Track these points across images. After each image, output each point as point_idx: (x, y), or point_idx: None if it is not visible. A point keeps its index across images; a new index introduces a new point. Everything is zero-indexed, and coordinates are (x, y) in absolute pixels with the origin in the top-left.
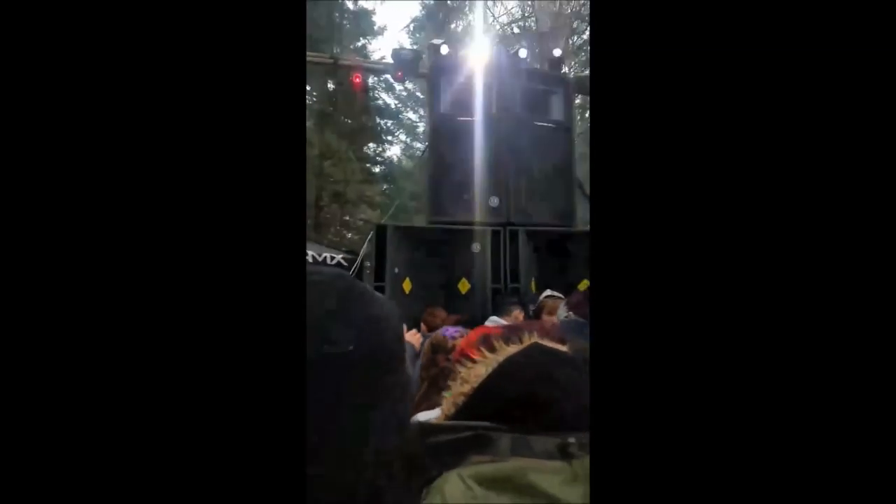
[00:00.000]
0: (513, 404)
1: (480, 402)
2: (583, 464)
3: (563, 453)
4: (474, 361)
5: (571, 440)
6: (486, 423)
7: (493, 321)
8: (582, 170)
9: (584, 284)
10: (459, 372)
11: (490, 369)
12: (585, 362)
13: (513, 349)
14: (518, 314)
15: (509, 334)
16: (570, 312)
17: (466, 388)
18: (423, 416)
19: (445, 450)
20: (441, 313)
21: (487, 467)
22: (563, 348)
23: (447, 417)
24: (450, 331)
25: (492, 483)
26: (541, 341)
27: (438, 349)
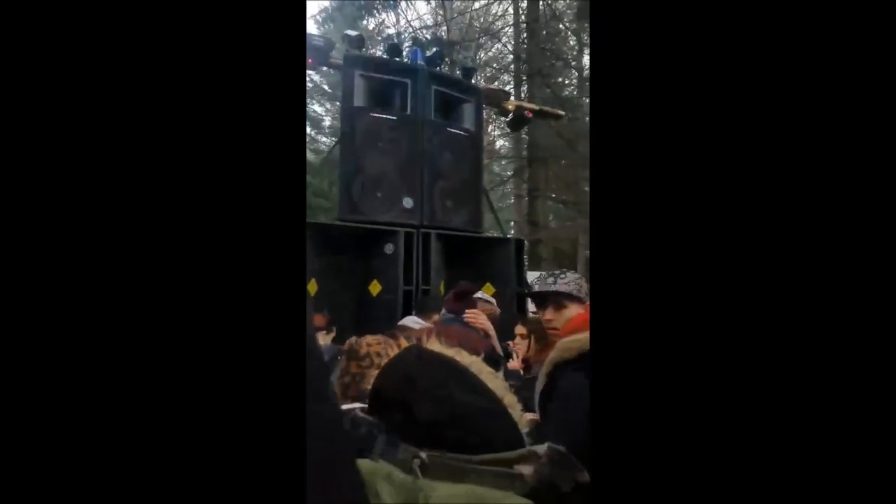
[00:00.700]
0: (387, 403)
1: (371, 402)
2: (427, 483)
3: (410, 468)
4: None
5: (422, 455)
6: (372, 420)
7: (414, 321)
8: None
9: (488, 289)
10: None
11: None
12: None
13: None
14: (436, 316)
15: (411, 337)
16: (443, 309)
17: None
18: None
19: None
20: (319, 319)
21: None
22: (451, 353)
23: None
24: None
25: None
26: (428, 344)
27: (352, 356)
